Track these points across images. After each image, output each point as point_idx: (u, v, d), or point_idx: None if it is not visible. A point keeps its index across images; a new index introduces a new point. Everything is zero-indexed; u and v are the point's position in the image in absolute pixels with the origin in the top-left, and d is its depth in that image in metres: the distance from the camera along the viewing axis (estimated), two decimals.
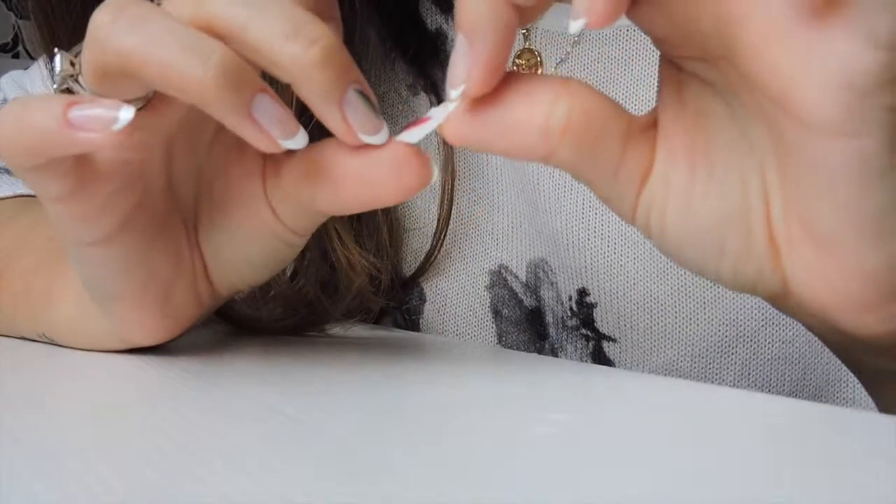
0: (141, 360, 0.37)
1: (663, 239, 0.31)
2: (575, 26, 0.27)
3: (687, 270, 0.33)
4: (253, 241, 0.35)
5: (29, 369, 0.37)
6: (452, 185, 0.52)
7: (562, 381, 0.33)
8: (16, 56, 2.04)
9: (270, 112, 0.30)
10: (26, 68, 0.64)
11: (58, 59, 0.32)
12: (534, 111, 0.29)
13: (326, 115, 0.30)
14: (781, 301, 0.31)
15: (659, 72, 0.31)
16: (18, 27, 2.04)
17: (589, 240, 0.49)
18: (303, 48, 0.29)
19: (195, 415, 0.29)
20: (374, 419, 0.28)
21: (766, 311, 0.46)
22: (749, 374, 0.47)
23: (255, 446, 0.25)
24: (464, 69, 0.28)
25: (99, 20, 0.30)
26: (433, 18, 0.53)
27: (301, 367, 0.36)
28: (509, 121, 0.29)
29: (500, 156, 0.32)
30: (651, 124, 0.31)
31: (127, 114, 0.29)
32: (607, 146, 0.30)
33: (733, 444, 0.25)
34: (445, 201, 0.52)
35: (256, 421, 0.28)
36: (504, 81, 0.29)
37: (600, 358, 0.50)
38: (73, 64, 0.32)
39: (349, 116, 0.30)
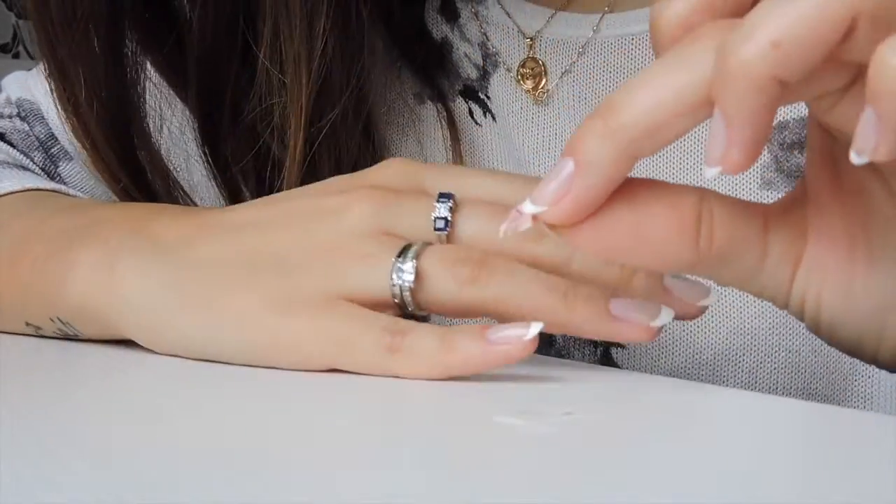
0: (141, 359, 0.37)
1: (817, 322, 0.30)
2: (710, 173, 0.26)
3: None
4: None
5: (29, 368, 0.37)
6: None
7: (564, 381, 0.33)
8: (16, 56, 2.04)
9: (628, 306, 0.32)
10: (29, 69, 0.64)
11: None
12: (683, 227, 0.28)
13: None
14: None
15: (808, 140, 0.30)
16: (18, 27, 2.04)
17: None
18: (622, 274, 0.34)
19: (196, 415, 0.29)
20: (375, 420, 0.28)
21: (774, 320, 0.46)
22: (756, 382, 0.47)
23: (255, 447, 0.25)
24: (557, 197, 0.28)
25: (462, 276, 0.33)
26: (439, 28, 0.53)
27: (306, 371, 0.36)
28: (657, 235, 0.28)
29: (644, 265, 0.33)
30: (795, 203, 0.30)
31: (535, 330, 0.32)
32: (747, 250, 0.29)
33: (734, 445, 0.25)
34: None
35: (257, 421, 0.28)
36: (644, 190, 0.28)
37: (608, 363, 0.50)
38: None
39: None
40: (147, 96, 0.48)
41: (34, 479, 0.22)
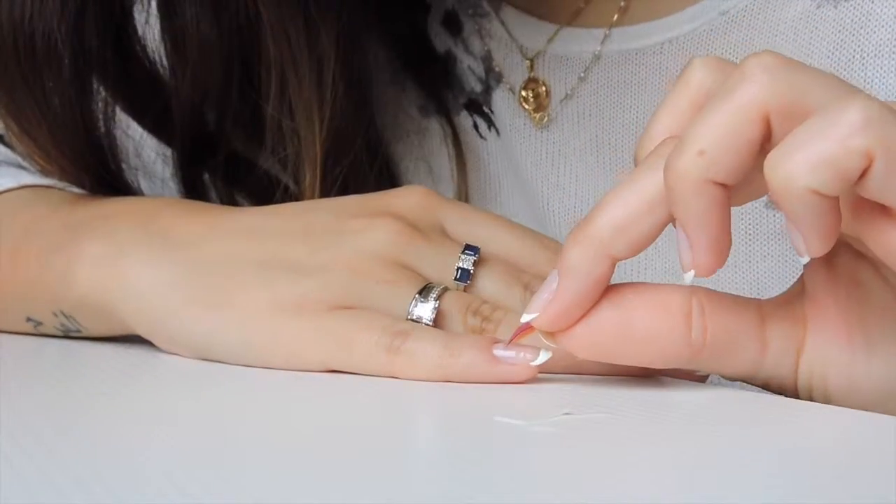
0: (142, 360, 0.37)
1: None
2: (687, 277, 0.28)
3: None
4: None
5: (29, 368, 0.37)
6: None
7: (564, 382, 0.33)
8: None
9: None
10: None
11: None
12: (672, 322, 0.29)
13: None
14: None
15: None
16: None
17: None
18: None
19: (196, 415, 0.29)
20: (375, 419, 0.28)
21: None
22: None
23: (255, 447, 0.25)
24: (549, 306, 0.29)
25: (470, 324, 0.34)
26: (442, 41, 0.52)
27: (304, 371, 0.36)
28: (644, 332, 0.30)
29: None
30: (795, 297, 0.31)
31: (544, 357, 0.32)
32: (745, 342, 0.30)
33: (734, 445, 0.26)
34: None
35: (257, 421, 0.28)
36: (629, 292, 0.30)
37: None
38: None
39: None
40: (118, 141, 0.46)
41: (34, 479, 0.22)
